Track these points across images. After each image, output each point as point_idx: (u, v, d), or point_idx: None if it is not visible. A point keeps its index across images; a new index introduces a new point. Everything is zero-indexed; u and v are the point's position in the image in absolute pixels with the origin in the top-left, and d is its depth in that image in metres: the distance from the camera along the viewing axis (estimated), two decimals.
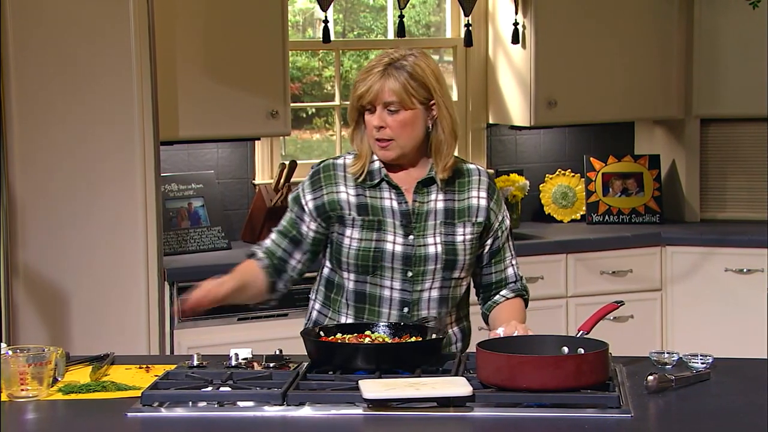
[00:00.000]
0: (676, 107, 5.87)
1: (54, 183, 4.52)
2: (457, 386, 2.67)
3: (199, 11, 4.97)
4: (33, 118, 4.47)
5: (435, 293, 3.21)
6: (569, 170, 6.03)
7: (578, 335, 2.93)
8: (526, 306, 3.34)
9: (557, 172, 6.02)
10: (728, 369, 3.00)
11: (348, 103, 3.30)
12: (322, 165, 3.28)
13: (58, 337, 4.49)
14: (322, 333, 3.04)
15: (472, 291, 3.37)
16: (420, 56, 3.18)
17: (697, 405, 2.73)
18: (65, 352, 3.05)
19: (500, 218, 3.30)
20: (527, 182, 5.81)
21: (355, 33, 5.93)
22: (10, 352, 2.82)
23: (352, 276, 3.22)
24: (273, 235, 3.29)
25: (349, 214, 3.20)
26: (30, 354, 2.82)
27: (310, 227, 3.24)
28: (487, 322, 3.32)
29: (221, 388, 2.78)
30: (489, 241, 3.29)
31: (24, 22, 4.44)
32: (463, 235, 3.22)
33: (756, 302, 5.35)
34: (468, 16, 5.62)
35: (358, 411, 2.65)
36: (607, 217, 5.88)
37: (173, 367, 2.99)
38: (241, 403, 2.70)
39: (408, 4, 5.48)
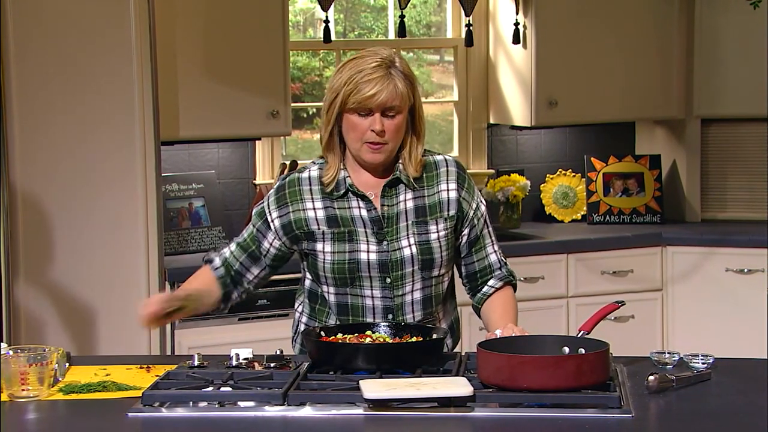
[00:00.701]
0: (676, 107, 5.87)
1: (54, 183, 4.52)
2: (458, 386, 2.67)
3: (200, 11, 4.97)
4: (33, 118, 4.47)
5: (417, 295, 3.18)
6: (570, 170, 6.03)
7: (579, 335, 2.93)
8: (515, 290, 3.28)
9: (558, 172, 6.02)
10: (729, 369, 3.00)
11: None
12: (287, 180, 3.20)
13: (59, 336, 4.49)
14: (323, 333, 3.04)
15: (458, 282, 3.30)
16: (400, 56, 3.14)
17: (697, 405, 2.73)
18: (66, 352, 3.05)
19: (474, 206, 3.22)
20: (528, 182, 5.82)
21: (356, 33, 5.93)
22: (11, 352, 2.82)
23: (331, 289, 3.18)
24: (233, 246, 3.26)
25: (319, 229, 3.14)
26: (31, 354, 2.82)
27: (273, 244, 3.20)
28: (479, 315, 3.28)
29: (222, 388, 2.78)
30: (466, 231, 3.21)
31: (24, 22, 4.44)
32: (437, 232, 3.16)
33: (756, 302, 5.35)
34: (469, 16, 5.62)
35: (358, 411, 2.64)
36: (607, 217, 5.88)
37: (174, 367, 2.98)
38: (241, 403, 2.70)
39: (409, 4, 5.48)
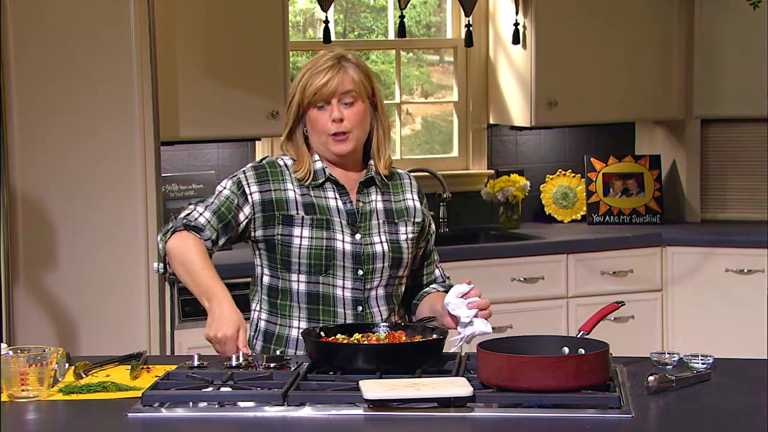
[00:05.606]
0: (676, 108, 5.87)
1: (54, 183, 4.52)
2: (458, 386, 2.67)
3: (200, 11, 4.97)
4: (33, 119, 4.47)
5: (381, 291, 3.22)
6: (570, 171, 6.03)
7: (579, 335, 2.93)
8: None
9: (558, 173, 6.02)
10: (729, 369, 3.00)
11: None
12: (265, 161, 3.24)
13: (58, 337, 4.49)
14: (322, 333, 3.04)
15: None
16: (353, 53, 3.23)
17: (697, 405, 2.73)
18: (65, 353, 3.05)
19: (428, 221, 3.36)
20: (528, 183, 5.82)
21: (356, 33, 5.93)
22: (11, 353, 2.82)
23: (303, 277, 3.18)
24: (207, 214, 3.17)
25: (298, 213, 3.17)
26: (30, 354, 2.82)
27: (247, 217, 3.18)
28: (414, 312, 3.34)
29: (222, 389, 2.78)
30: (422, 244, 3.33)
31: (24, 23, 4.44)
32: (406, 234, 3.25)
33: (756, 302, 5.35)
34: (468, 16, 5.62)
35: (358, 411, 2.64)
36: (607, 218, 5.88)
37: (174, 367, 2.98)
38: (241, 404, 2.70)
39: (408, 5, 5.48)
